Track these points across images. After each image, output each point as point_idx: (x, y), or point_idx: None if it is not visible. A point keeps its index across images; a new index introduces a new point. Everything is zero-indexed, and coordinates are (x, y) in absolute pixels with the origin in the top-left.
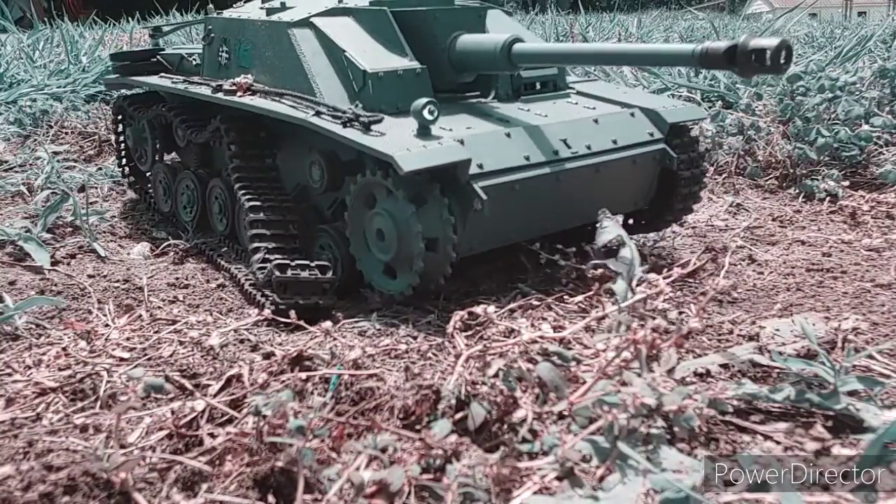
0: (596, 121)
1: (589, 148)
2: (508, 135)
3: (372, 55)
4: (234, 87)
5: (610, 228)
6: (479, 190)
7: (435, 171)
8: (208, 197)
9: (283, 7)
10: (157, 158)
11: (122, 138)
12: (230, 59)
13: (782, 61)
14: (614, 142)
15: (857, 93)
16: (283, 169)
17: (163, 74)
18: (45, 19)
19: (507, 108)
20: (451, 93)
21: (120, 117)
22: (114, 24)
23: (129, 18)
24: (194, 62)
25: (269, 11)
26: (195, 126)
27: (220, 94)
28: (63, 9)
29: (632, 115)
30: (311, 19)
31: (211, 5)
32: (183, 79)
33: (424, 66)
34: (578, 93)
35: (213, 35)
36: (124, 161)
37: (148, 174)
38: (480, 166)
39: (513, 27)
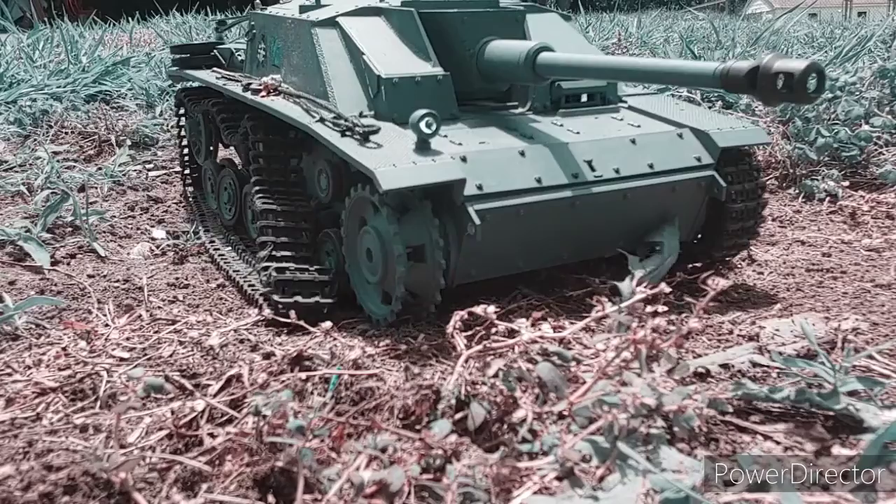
0: (633, 141)
1: (617, 171)
2: (522, 153)
3: (391, 59)
4: (259, 87)
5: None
6: (472, 213)
7: (426, 189)
8: (243, 201)
9: (318, 4)
10: (210, 151)
11: (181, 132)
12: (266, 56)
13: (811, 90)
14: (650, 165)
15: (857, 93)
16: (307, 174)
17: (214, 69)
18: (45, 19)
19: (538, 122)
20: (488, 101)
21: (182, 111)
22: (114, 24)
23: (129, 18)
24: (240, 58)
25: (303, 9)
26: (232, 125)
27: (247, 94)
28: (63, 9)
29: (679, 136)
30: (338, 18)
31: (258, 0)
32: (222, 74)
33: (448, 73)
34: (630, 107)
35: (254, 31)
36: (185, 152)
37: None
38: (479, 187)
39: (560, 33)
